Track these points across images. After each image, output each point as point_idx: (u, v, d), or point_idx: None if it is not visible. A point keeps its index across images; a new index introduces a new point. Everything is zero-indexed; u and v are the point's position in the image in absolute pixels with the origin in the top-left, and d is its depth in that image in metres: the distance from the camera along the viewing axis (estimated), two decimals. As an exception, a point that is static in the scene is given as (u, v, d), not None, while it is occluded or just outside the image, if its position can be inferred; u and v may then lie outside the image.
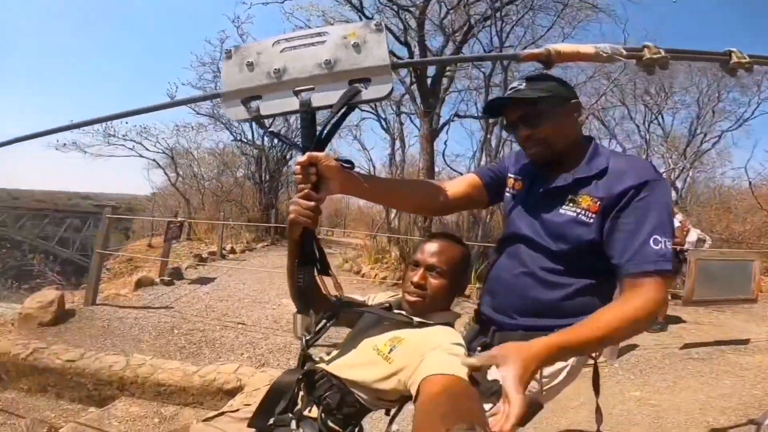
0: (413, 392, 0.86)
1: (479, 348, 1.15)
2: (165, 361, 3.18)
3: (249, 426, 1.12)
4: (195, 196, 13.28)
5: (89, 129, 10.44)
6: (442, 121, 8.82)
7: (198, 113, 11.91)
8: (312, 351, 1.19)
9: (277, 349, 3.60)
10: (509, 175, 1.27)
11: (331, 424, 1.06)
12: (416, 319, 1.10)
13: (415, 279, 1.13)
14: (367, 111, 10.80)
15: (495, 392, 1.03)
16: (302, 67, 1.01)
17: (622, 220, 0.99)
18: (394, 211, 9.29)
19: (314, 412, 1.08)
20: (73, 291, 6.24)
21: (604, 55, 1.01)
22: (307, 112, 1.01)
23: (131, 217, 11.29)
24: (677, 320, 5.02)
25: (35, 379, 3.12)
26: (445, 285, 1.12)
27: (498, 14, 7.27)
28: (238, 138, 12.36)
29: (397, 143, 10.97)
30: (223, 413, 1.29)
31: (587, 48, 1.03)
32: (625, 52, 1.02)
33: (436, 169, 8.88)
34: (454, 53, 7.74)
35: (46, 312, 3.85)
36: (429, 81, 8.03)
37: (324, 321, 1.18)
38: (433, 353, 0.91)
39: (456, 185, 1.29)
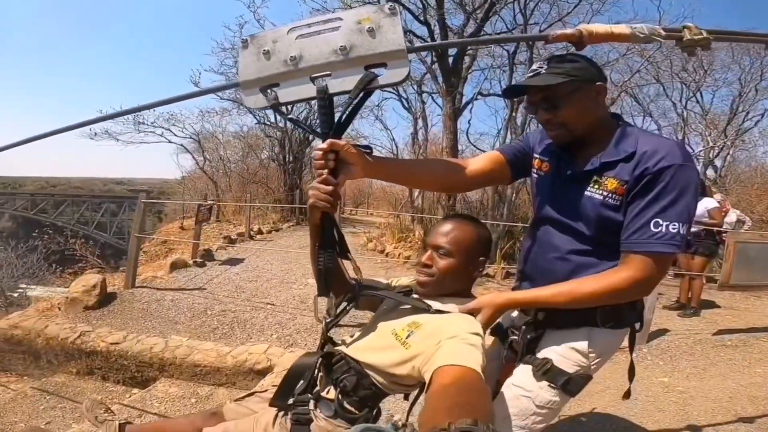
0: (426, 379, 0.86)
1: (523, 326, 1.20)
2: (200, 342, 3.35)
3: (270, 405, 1.18)
4: (222, 178, 13.61)
5: (120, 118, 10.78)
6: (465, 99, 8.64)
7: (222, 98, 12.13)
8: (336, 333, 1.23)
9: (305, 329, 3.72)
10: (535, 155, 1.28)
11: (347, 405, 1.10)
12: (434, 306, 1.10)
13: (422, 259, 1.16)
14: (389, 91, 10.65)
15: (547, 370, 1.12)
16: (318, 54, 1.02)
17: (635, 201, 1.03)
18: (417, 190, 9.26)
19: (332, 393, 1.13)
20: (113, 274, 6.60)
21: (641, 36, 1.00)
22: (325, 98, 1.03)
23: (164, 201, 11.72)
24: (711, 305, 4.87)
25: (83, 362, 3.30)
26: (452, 265, 1.12)
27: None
28: (262, 121, 12.50)
29: (420, 123, 10.85)
30: (253, 393, 1.36)
31: (622, 28, 1.02)
32: (663, 33, 1.00)
33: (460, 148, 8.76)
34: (476, 32, 7.48)
35: (90, 296, 4.04)
36: (450, 60, 7.81)
37: (344, 304, 1.21)
38: (450, 342, 0.92)
39: (477, 162, 1.31)
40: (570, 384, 1.12)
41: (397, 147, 13.06)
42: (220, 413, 1.35)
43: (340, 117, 1.07)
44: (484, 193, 8.39)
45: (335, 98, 1.08)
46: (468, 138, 10.02)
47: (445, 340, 0.92)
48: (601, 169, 1.07)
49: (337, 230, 1.12)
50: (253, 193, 12.28)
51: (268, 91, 1.06)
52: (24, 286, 9.18)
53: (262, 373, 2.97)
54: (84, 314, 3.89)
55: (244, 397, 1.37)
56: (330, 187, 1.02)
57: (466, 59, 8.41)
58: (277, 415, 1.16)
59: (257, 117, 12.39)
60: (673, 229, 0.98)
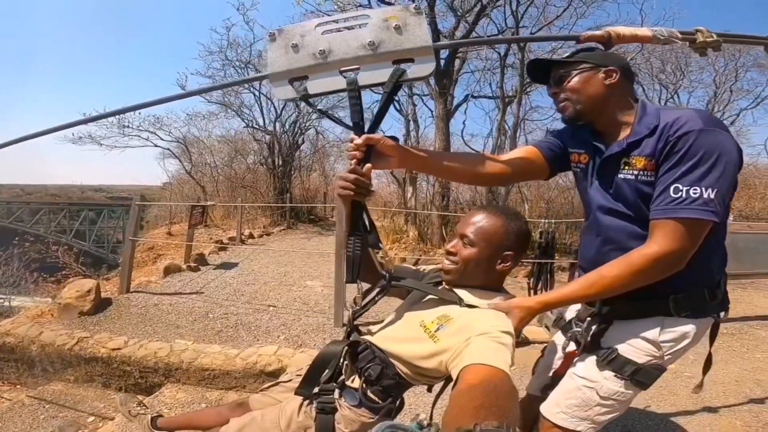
0: (453, 376, 0.85)
1: (588, 318, 1.19)
2: (206, 345, 3.27)
3: (296, 393, 1.18)
4: (209, 183, 13.38)
5: (104, 121, 10.50)
6: (456, 101, 8.75)
7: (209, 101, 11.98)
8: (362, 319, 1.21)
9: (312, 329, 3.68)
10: (570, 149, 1.29)
11: (371, 394, 1.10)
12: (465, 299, 1.09)
13: (448, 246, 1.17)
14: (379, 93, 10.70)
15: (612, 360, 1.11)
16: (347, 48, 1.06)
17: (660, 170, 1.02)
18: (410, 191, 9.30)
19: (356, 382, 1.13)
20: (101, 280, 6.39)
21: (661, 38, 1.08)
22: (355, 90, 1.06)
23: (158, 204, 11.43)
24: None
25: (82, 369, 3.19)
26: (474, 255, 1.11)
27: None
28: (250, 124, 12.37)
29: (411, 124, 10.92)
30: (277, 383, 1.36)
31: (644, 31, 1.10)
32: (680, 35, 1.08)
33: (453, 149, 8.84)
34: (467, 34, 7.61)
35: (85, 301, 3.91)
36: (442, 62, 7.91)
37: (374, 294, 1.20)
38: (480, 339, 0.90)
39: (513, 156, 1.32)
40: (639, 374, 1.10)
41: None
42: (245, 404, 1.35)
43: (378, 111, 1.10)
44: (476, 192, 8.48)
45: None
46: (463, 139, 10.17)
47: (475, 337, 0.91)
48: (629, 150, 1.09)
49: (368, 218, 1.13)
50: (242, 197, 12.11)
51: (297, 83, 1.08)
52: (3, 296, 8.81)
53: (274, 374, 2.91)
54: (79, 320, 3.76)
55: (268, 387, 1.37)
56: (354, 176, 1.04)
57: (457, 62, 8.52)
58: (302, 404, 1.15)
59: (245, 120, 12.27)
60: (695, 193, 0.95)
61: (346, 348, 1.15)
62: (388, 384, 1.09)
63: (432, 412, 1.25)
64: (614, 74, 1.13)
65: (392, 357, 1.09)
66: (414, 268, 1.39)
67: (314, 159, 16.38)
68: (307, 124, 13.32)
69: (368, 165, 1.06)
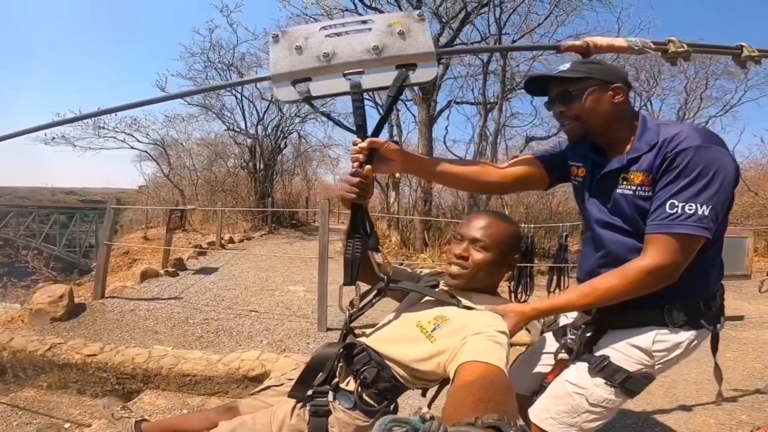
0: (451, 376, 0.85)
1: (583, 325, 1.20)
2: (186, 351, 3.19)
3: (289, 396, 1.17)
4: (188, 187, 13.12)
5: (79, 122, 10.17)
6: (439, 107, 8.86)
7: (189, 104, 11.77)
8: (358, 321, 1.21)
9: (295, 334, 3.64)
10: (570, 162, 1.29)
11: (366, 397, 1.09)
12: (463, 301, 1.10)
13: (458, 251, 1.15)
14: (367, 98, 10.75)
15: (604, 367, 1.11)
16: (351, 52, 1.06)
17: (657, 185, 1.04)
18: (392, 195, 9.34)
19: (352, 385, 1.11)
20: (73, 286, 6.16)
21: (636, 48, 1.12)
22: (358, 93, 1.06)
23: (133, 207, 11.10)
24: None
25: (55, 376, 3.08)
26: (487, 260, 1.12)
27: (494, 0, 7.27)
28: (231, 128, 12.21)
29: (395, 129, 10.98)
30: (268, 387, 1.34)
31: (620, 41, 1.14)
32: (653, 46, 1.12)
33: (435, 154, 8.94)
34: (451, 41, 7.74)
35: (58, 307, 3.78)
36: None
37: (371, 296, 1.19)
38: (476, 338, 0.90)
39: (513, 166, 1.31)
40: (629, 382, 1.10)
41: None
42: (235, 408, 1.32)
43: (383, 115, 1.12)
44: (458, 197, 8.58)
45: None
46: (445, 144, 10.28)
47: (471, 336, 0.91)
48: (628, 165, 1.10)
49: (369, 221, 1.13)
50: (222, 201, 11.92)
51: (299, 84, 1.08)
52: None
53: (257, 379, 2.87)
54: (52, 326, 3.64)
55: (259, 391, 1.35)
56: (356, 179, 1.05)
57: (441, 67, 8.64)
58: (294, 407, 1.14)
59: (227, 123, 12.10)
60: (690, 209, 0.96)
61: (342, 350, 1.13)
62: (383, 387, 1.09)
63: (429, 409, 1.23)
64: (622, 92, 1.13)
65: (388, 359, 1.09)
66: (410, 270, 1.39)
67: (296, 163, 16.26)
68: (290, 128, 13.25)
69: (368, 167, 1.06)
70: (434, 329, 1.03)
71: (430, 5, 8.10)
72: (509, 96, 8.89)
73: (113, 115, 10.60)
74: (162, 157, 12.77)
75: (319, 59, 1.06)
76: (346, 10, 7.34)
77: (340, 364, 1.15)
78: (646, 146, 1.08)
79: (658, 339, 1.10)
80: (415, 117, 8.75)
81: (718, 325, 1.16)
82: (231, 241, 9.33)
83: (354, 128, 1.10)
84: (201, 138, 14.15)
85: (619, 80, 1.15)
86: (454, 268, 1.15)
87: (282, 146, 13.38)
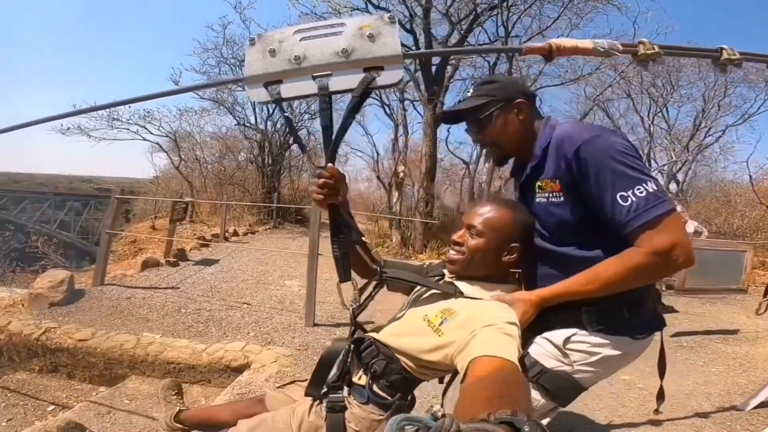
0: (460, 370, 0.84)
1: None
2: (174, 339, 3.29)
3: (305, 395, 1.19)
4: (198, 179, 13.32)
5: (94, 113, 10.42)
6: (445, 108, 8.84)
7: (201, 98, 11.94)
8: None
9: (282, 328, 3.70)
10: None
11: (378, 390, 1.10)
12: (465, 291, 1.10)
13: (455, 237, 1.17)
14: (372, 97, 10.79)
15: (521, 360, 1.08)
16: (321, 55, 1.08)
17: (586, 192, 1.03)
18: (395, 195, 9.37)
19: (363, 379, 1.13)
20: (79, 272, 6.35)
21: (602, 50, 1.07)
22: (325, 96, 1.09)
23: (138, 198, 11.35)
24: (670, 310, 5.11)
25: (47, 360, 3.18)
26: (481, 245, 1.12)
27: (505, 3, 7.23)
28: (242, 122, 12.36)
29: (401, 129, 11.01)
30: (293, 382, 1.40)
31: (585, 43, 1.09)
32: (621, 48, 1.07)
33: (439, 156, 8.95)
34: (459, 42, 7.73)
35: (57, 292, 3.89)
36: (434, 69, 8.02)
37: (370, 289, 1.22)
38: (486, 331, 0.89)
39: None
40: (544, 378, 1.09)
41: (377, 153, 13.21)
42: (263, 401, 1.37)
43: (344, 117, 1.12)
44: (461, 198, 8.58)
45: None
46: (447, 146, 10.26)
47: (481, 329, 0.90)
48: (536, 174, 1.12)
49: (348, 217, 1.15)
50: (230, 194, 12.08)
51: (271, 87, 1.11)
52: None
53: (239, 370, 2.95)
54: (49, 311, 3.74)
55: (285, 385, 1.41)
56: (321, 180, 1.08)
57: (449, 69, 8.64)
58: (312, 404, 1.16)
59: (237, 118, 12.26)
60: (640, 193, 0.96)
61: (351, 345, 1.15)
62: (394, 379, 1.10)
63: (442, 402, 1.21)
64: (524, 106, 1.16)
65: (397, 352, 1.10)
66: (418, 264, 1.42)
67: (304, 160, 16.35)
68: (299, 125, 13.34)
69: (330, 165, 1.09)
70: (441, 323, 1.03)
71: (440, 7, 8.11)
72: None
73: (127, 107, 10.82)
74: (173, 149, 12.98)
75: (290, 62, 1.09)
76: (356, 9, 7.37)
77: (351, 360, 1.17)
78: (540, 151, 1.11)
79: (574, 339, 1.10)
80: (422, 117, 8.74)
81: (649, 337, 1.12)
82: (235, 233, 9.46)
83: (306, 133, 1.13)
84: (212, 132, 14.35)
85: (518, 94, 1.17)
86: (452, 253, 1.18)
87: (290, 142, 13.49)
